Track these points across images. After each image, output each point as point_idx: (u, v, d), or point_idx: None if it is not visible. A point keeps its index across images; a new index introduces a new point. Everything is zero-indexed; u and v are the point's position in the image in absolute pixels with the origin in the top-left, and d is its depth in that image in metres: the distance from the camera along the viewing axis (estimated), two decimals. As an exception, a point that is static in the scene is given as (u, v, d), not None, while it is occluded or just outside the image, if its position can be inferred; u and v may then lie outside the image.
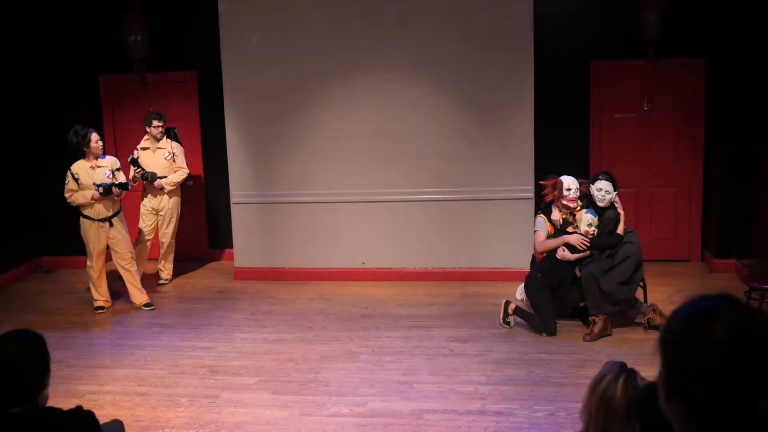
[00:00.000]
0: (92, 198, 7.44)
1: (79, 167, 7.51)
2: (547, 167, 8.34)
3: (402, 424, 4.96)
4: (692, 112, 8.58)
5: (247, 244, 8.71)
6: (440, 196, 8.36)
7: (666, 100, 8.62)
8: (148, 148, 8.44)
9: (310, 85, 8.37)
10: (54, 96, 9.24)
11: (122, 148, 9.23)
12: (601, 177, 6.68)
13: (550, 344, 6.38)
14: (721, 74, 8.21)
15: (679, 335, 1.46)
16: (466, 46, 8.09)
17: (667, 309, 6.86)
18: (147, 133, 8.43)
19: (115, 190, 7.46)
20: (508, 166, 8.19)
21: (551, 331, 6.60)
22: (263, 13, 8.32)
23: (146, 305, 7.76)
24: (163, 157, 8.39)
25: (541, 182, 7.00)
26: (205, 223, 9.60)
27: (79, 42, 9.19)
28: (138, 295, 7.78)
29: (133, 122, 9.52)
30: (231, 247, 8.97)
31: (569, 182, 6.73)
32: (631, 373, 2.84)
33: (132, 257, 7.75)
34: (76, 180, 7.46)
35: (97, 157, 7.55)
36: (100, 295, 7.73)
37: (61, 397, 4.83)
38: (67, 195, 7.54)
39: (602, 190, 6.61)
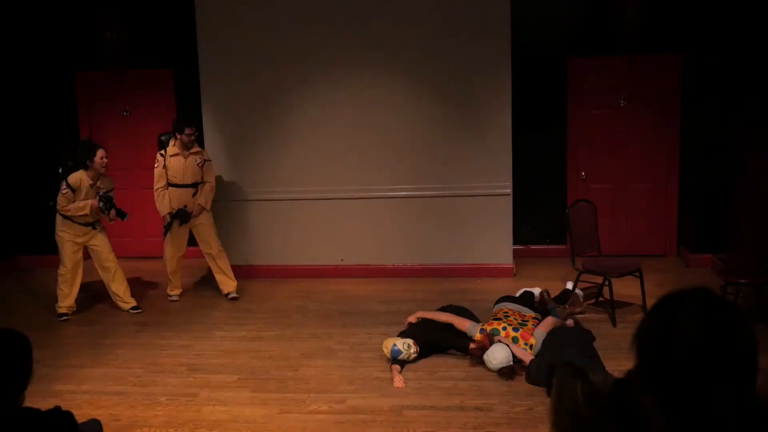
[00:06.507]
0: (90, 208, 7.02)
1: (79, 179, 7.05)
2: (524, 163, 8.41)
3: (381, 420, 4.97)
4: (668, 108, 8.66)
5: (226, 242, 8.67)
6: (418, 193, 8.37)
7: (642, 97, 8.70)
8: (178, 154, 7.68)
9: (287, 82, 8.35)
10: (30, 93, 9.14)
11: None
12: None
13: (529, 339, 6.40)
14: (697, 71, 8.29)
15: (652, 328, 1.50)
16: (443, 43, 8.11)
17: (644, 304, 6.93)
18: (176, 139, 7.66)
19: (112, 212, 7.04)
20: (487, 162, 8.22)
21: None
22: (240, 10, 8.29)
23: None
24: (196, 164, 7.72)
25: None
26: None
27: (55, 39, 9.11)
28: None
29: (109, 119, 9.47)
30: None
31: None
32: (581, 374, 2.86)
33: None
34: (74, 191, 7.03)
35: (99, 176, 7.14)
36: (65, 301, 7.35)
37: (38, 396, 4.78)
38: (61, 204, 7.05)
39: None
